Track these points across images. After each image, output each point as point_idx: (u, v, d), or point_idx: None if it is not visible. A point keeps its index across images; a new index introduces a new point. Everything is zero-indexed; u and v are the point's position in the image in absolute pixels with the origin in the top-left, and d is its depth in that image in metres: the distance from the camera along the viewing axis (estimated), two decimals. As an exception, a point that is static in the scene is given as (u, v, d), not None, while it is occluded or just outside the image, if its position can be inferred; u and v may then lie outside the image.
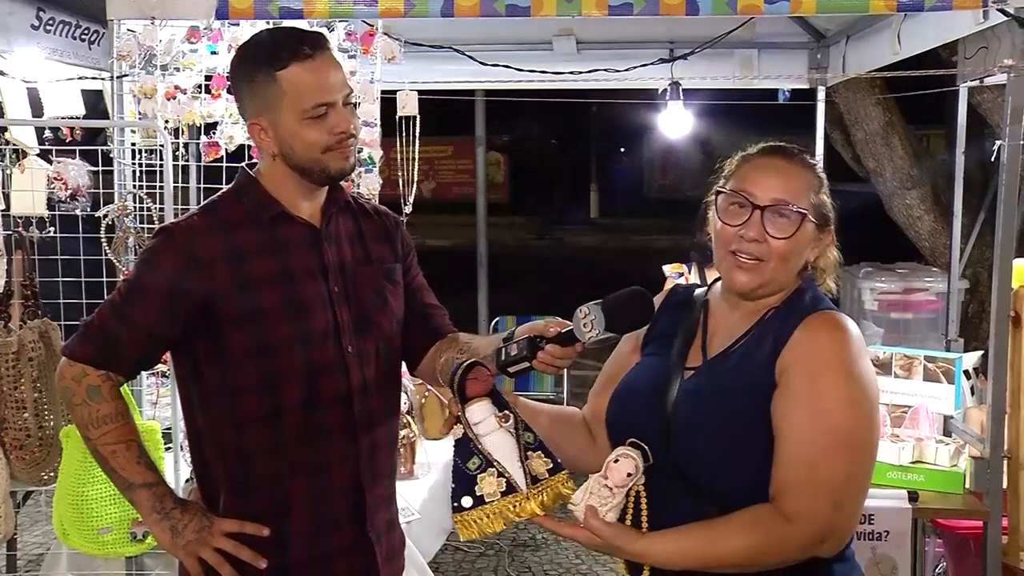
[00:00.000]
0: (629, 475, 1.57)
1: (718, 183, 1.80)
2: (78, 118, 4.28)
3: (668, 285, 3.60)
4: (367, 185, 3.55)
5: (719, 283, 1.85)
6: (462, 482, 1.61)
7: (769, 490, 1.61)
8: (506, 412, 1.65)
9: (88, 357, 1.95)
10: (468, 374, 1.66)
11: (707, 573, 1.62)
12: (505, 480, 1.60)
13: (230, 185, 2.08)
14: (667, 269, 3.97)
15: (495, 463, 1.60)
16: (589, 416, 1.93)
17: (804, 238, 1.72)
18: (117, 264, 3.08)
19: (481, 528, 1.60)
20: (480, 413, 1.64)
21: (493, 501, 1.59)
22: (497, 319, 6.65)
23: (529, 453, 1.63)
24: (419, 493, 3.51)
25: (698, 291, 1.90)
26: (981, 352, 3.68)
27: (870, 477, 1.67)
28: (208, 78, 3.48)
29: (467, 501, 1.60)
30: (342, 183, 2.08)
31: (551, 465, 1.63)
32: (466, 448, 1.63)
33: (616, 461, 1.57)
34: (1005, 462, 3.10)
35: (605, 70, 4.88)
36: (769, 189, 1.70)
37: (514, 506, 1.59)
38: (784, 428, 1.61)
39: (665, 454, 1.66)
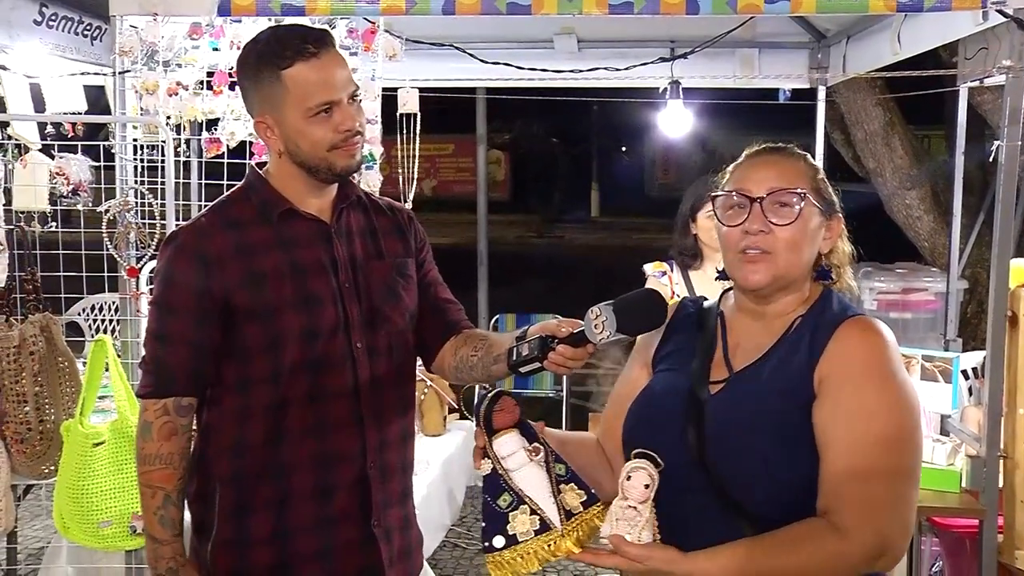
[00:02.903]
0: (647, 486, 1.47)
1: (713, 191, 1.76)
2: (80, 113, 4.28)
3: (649, 284, 3.53)
4: (368, 182, 3.54)
5: (731, 294, 1.79)
6: (493, 520, 1.52)
7: (818, 504, 1.53)
8: (536, 444, 1.57)
9: (149, 390, 1.97)
10: (494, 405, 1.57)
11: None
12: (538, 518, 1.51)
13: (239, 184, 2.08)
14: (648, 268, 3.73)
15: (527, 499, 1.52)
16: (602, 438, 1.85)
17: (809, 224, 1.66)
18: (118, 259, 3.09)
19: (515, 569, 1.51)
20: (509, 446, 1.56)
21: (527, 541, 1.51)
22: (497, 316, 6.64)
23: (562, 486, 1.55)
24: (417, 490, 3.45)
25: (707, 303, 1.83)
26: (984, 353, 3.68)
27: (919, 484, 1.60)
28: (210, 74, 3.48)
29: (499, 541, 1.51)
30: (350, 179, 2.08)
31: (585, 497, 1.54)
32: (495, 484, 1.54)
33: (629, 478, 1.47)
34: (1001, 461, 3.11)
35: (606, 69, 4.88)
36: (763, 180, 1.66)
37: (549, 545, 1.50)
38: (830, 439, 1.54)
39: (693, 466, 1.59)
